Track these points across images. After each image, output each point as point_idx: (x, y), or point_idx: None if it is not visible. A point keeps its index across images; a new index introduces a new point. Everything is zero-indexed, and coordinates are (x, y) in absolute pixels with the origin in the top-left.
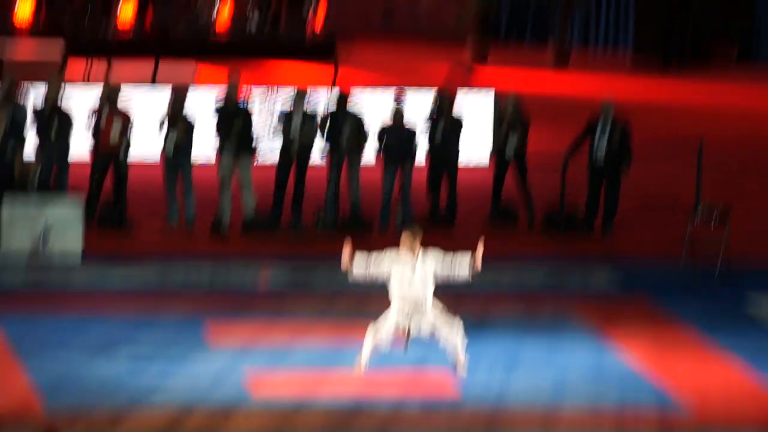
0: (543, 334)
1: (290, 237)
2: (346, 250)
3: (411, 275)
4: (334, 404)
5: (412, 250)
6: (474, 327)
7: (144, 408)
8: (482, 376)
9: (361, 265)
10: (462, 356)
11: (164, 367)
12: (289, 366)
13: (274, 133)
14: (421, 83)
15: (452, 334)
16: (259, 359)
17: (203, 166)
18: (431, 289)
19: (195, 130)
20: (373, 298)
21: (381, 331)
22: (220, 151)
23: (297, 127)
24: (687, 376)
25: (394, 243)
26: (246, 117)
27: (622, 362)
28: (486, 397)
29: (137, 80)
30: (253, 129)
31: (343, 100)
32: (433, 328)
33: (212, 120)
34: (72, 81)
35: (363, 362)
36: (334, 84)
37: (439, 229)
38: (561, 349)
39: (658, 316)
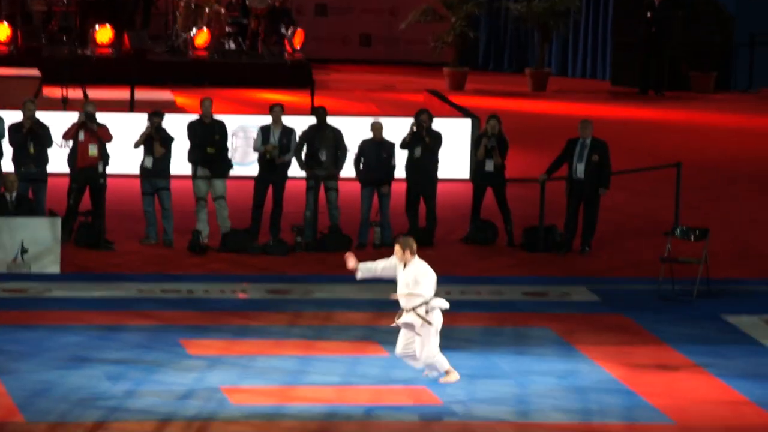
0: (521, 349)
1: (268, 255)
2: (350, 255)
3: (401, 278)
4: (318, 410)
5: (403, 259)
6: (452, 342)
7: (123, 417)
8: (461, 387)
9: (367, 266)
10: (427, 356)
11: (141, 378)
12: (265, 380)
13: (253, 146)
14: (397, 111)
15: (426, 336)
16: (235, 373)
17: (181, 179)
18: (416, 290)
19: (171, 153)
20: (345, 315)
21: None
22: (195, 166)
23: (276, 140)
24: (665, 390)
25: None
26: (221, 130)
27: (600, 376)
28: (467, 406)
29: (114, 108)
30: (228, 142)
31: (322, 112)
32: (412, 326)
33: (187, 135)
34: (47, 109)
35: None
36: (311, 111)
37: (419, 248)
38: (539, 364)
39: (635, 335)
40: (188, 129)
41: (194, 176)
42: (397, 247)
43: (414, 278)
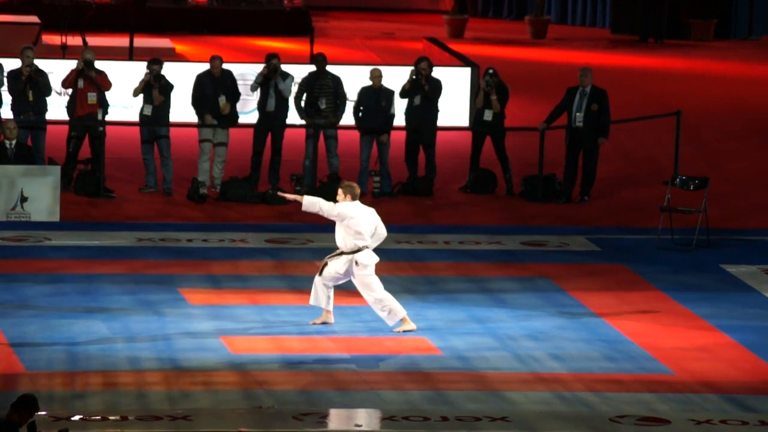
0: (519, 299)
1: (267, 203)
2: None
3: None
4: (318, 359)
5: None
6: (451, 292)
7: (123, 366)
8: (460, 337)
9: (310, 202)
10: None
11: (140, 327)
12: (264, 329)
13: (252, 89)
14: (397, 59)
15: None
16: (234, 322)
17: (180, 126)
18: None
19: (171, 101)
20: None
21: None
22: (202, 116)
23: (273, 87)
24: (664, 340)
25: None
26: (231, 80)
27: (599, 326)
28: (464, 355)
29: (113, 56)
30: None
31: (322, 60)
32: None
33: (194, 87)
34: (46, 56)
35: None
36: (311, 58)
37: (418, 197)
38: (537, 313)
39: (634, 285)
40: (196, 81)
41: (200, 124)
42: (339, 191)
43: None
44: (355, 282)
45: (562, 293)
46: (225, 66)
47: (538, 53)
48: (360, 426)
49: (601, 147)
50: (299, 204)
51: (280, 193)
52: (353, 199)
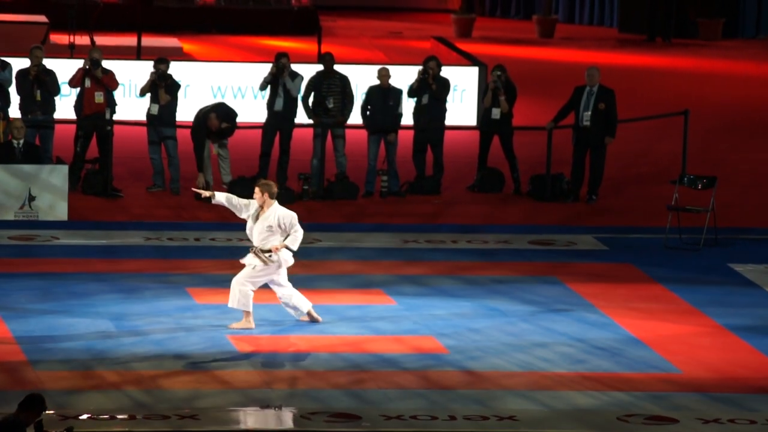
0: (527, 298)
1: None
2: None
3: (253, 225)
4: (324, 358)
5: (261, 203)
6: (458, 291)
7: (129, 365)
8: (468, 336)
9: (224, 196)
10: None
11: (148, 326)
12: (272, 328)
13: (261, 88)
14: (404, 58)
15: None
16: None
17: (187, 127)
18: (270, 239)
19: (178, 100)
20: (352, 264)
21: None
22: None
23: (282, 87)
24: (671, 339)
25: (378, 209)
26: (231, 117)
27: (607, 325)
28: (472, 354)
29: (121, 55)
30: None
31: (330, 59)
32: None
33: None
34: (54, 55)
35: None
36: (318, 59)
37: (425, 196)
38: (545, 312)
39: (642, 284)
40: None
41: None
42: (257, 188)
43: (267, 227)
44: None
45: (569, 292)
46: (233, 65)
47: (546, 52)
48: (367, 426)
49: (608, 146)
50: (306, 204)
51: (194, 189)
52: (271, 197)
